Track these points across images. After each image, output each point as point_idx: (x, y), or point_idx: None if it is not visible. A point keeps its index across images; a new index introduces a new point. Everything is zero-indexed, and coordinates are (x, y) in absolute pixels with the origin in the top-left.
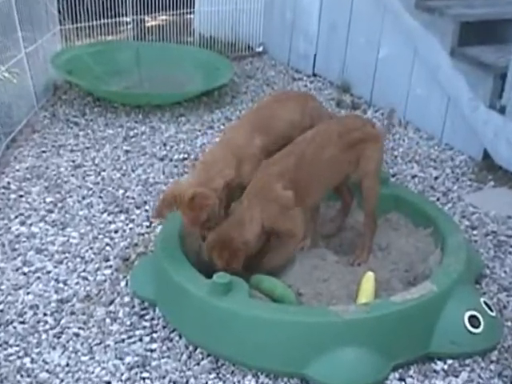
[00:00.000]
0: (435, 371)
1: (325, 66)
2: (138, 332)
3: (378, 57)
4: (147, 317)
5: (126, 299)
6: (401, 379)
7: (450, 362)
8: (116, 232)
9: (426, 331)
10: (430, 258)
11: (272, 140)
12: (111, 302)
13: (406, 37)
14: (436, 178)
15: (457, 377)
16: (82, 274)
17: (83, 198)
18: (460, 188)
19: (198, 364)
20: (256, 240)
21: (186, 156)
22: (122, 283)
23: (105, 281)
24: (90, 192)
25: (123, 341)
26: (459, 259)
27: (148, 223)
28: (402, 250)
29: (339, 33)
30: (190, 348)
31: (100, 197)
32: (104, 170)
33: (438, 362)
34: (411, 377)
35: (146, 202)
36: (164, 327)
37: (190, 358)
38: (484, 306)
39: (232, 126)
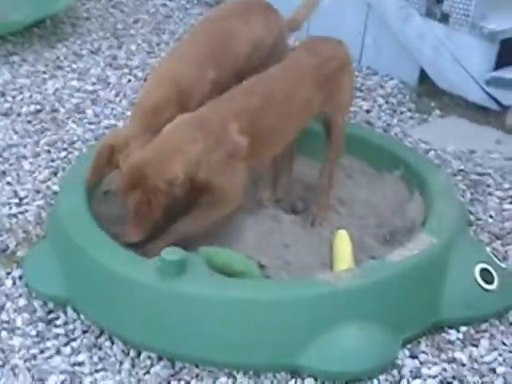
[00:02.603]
0: (450, 342)
1: None
2: (50, 343)
3: None
4: (58, 322)
5: (22, 302)
6: (413, 356)
7: (463, 329)
8: None
9: (434, 294)
10: (407, 207)
11: (229, 71)
12: (0, 309)
13: None
14: (368, 112)
15: (476, 346)
16: None
17: None
18: (401, 121)
19: (148, 372)
20: (184, 183)
21: (39, 107)
22: (8, 282)
23: None
24: None
25: (35, 357)
26: (452, 203)
27: (17, 200)
28: (368, 201)
29: None
30: (131, 353)
31: None
32: None
33: (451, 331)
34: (424, 352)
35: (4, 173)
36: (85, 332)
37: (133, 366)
38: (493, 256)
39: (173, 53)
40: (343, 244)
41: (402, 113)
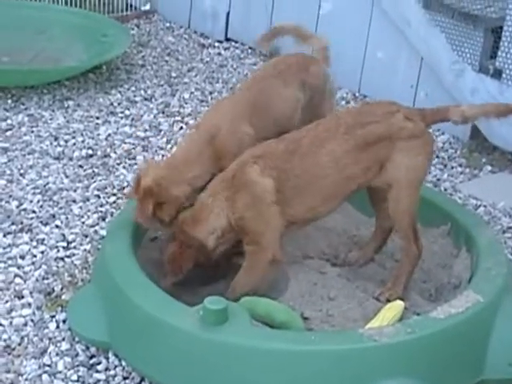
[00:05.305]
0: None
1: (242, 28)
2: None
3: (320, 13)
4: (99, 367)
5: (64, 346)
6: None
7: None
8: (22, 258)
9: (479, 353)
10: (454, 263)
11: (270, 129)
12: (43, 352)
13: None
14: None
15: None
16: None
17: None
18: (451, 176)
19: None
20: (216, 241)
21: (90, 152)
22: (52, 325)
23: (25, 324)
24: None
25: None
26: (499, 261)
27: (65, 243)
28: None
29: None
30: None
31: None
32: None
33: None
34: None
35: (54, 216)
36: (125, 378)
37: None
38: None
39: (214, 106)
40: (389, 310)
41: (452, 168)
